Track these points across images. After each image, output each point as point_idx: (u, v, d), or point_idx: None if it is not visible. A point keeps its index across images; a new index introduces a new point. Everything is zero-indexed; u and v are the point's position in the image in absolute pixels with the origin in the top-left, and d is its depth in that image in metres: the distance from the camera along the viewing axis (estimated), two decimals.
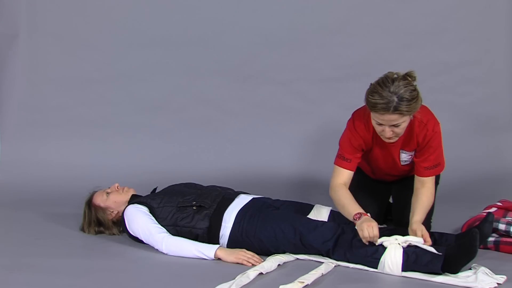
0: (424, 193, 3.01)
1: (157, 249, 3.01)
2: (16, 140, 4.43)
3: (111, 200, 3.30)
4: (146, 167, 4.39)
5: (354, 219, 2.88)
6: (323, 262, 2.87)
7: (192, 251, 2.94)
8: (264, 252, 2.97)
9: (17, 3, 4.38)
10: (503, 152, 4.50)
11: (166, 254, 2.98)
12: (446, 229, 3.20)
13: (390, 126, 2.87)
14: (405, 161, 3.14)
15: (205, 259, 2.92)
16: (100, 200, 3.32)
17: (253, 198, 3.17)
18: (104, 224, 3.31)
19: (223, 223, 3.04)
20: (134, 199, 3.25)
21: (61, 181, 4.27)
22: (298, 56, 4.53)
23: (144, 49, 4.48)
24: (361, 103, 2.97)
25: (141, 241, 3.11)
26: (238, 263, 2.87)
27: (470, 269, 2.73)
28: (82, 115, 4.49)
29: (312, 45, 4.52)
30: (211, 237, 3.03)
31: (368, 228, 2.79)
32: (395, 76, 2.86)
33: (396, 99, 2.79)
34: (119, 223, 3.29)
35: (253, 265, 2.83)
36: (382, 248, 2.80)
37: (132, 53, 4.47)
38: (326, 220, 3.06)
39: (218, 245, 2.95)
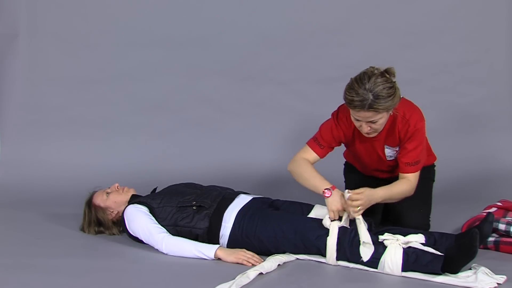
0: (400, 182, 3.05)
1: (157, 249, 3.01)
2: (16, 140, 4.43)
3: (111, 200, 3.31)
4: (146, 167, 4.38)
5: (324, 193, 2.94)
6: (323, 262, 2.87)
7: (192, 251, 2.94)
8: (264, 252, 2.97)
9: (17, 3, 4.38)
10: (503, 152, 4.50)
11: (166, 254, 2.98)
12: (446, 229, 3.20)
13: (367, 122, 2.90)
14: (391, 156, 3.15)
15: (205, 259, 2.92)
16: (100, 200, 3.32)
17: (253, 198, 3.17)
18: (104, 224, 3.31)
19: (223, 223, 3.03)
20: (134, 199, 3.25)
21: (61, 181, 4.27)
22: (298, 56, 4.53)
23: (144, 49, 4.48)
24: None
25: (141, 241, 3.11)
26: (238, 263, 2.87)
27: (470, 269, 2.73)
28: (82, 115, 4.49)
29: (312, 45, 4.52)
30: (211, 237, 3.03)
31: (334, 203, 2.90)
32: (374, 72, 2.88)
33: (371, 97, 2.82)
34: (119, 223, 3.29)
35: (253, 265, 2.83)
36: (382, 248, 2.80)
37: (132, 53, 4.47)
38: None
39: (218, 245, 2.95)
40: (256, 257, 2.89)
